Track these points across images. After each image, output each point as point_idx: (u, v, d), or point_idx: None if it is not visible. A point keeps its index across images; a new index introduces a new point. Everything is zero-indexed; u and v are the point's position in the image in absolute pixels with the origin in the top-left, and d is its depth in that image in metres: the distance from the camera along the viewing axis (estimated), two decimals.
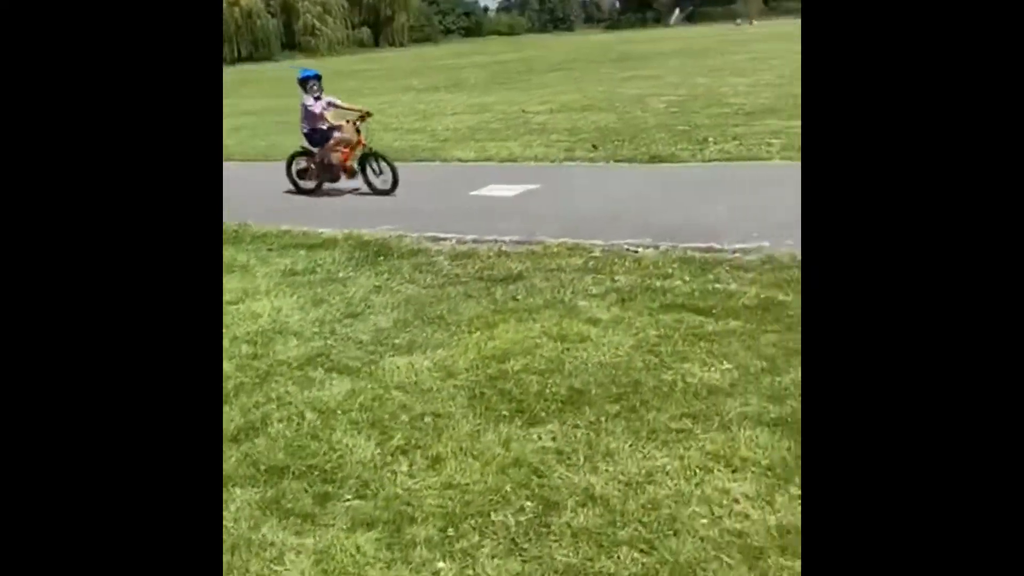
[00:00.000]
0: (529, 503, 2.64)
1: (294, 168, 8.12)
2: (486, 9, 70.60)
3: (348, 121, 7.61)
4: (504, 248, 5.61)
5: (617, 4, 64.37)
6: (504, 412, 3.25)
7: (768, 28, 40.44)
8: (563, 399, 3.32)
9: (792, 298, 4.21)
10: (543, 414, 3.21)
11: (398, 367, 3.74)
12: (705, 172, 7.84)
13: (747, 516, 2.49)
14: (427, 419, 3.24)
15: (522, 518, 2.57)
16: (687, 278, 4.64)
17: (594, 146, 9.59)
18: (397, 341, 4.06)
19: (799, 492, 2.58)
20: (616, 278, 4.76)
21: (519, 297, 4.57)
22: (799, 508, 2.50)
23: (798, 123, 10.07)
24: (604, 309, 4.28)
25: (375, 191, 7.65)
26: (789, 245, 5.09)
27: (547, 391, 3.39)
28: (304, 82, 7.76)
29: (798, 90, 10.77)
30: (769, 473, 2.69)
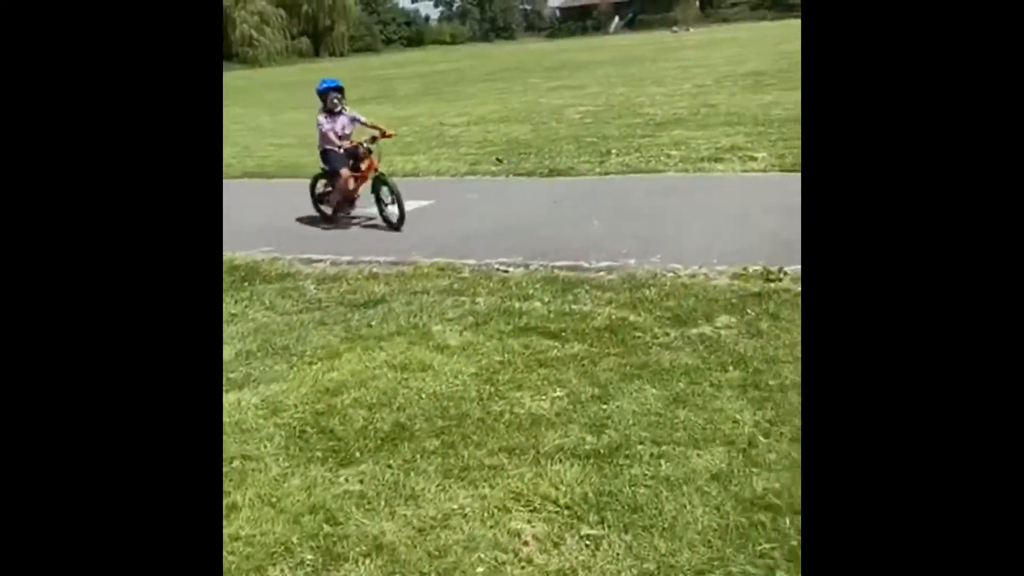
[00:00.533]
0: (311, 555, 2.50)
1: (316, 191, 7.04)
2: (427, 18, 70.40)
3: (355, 142, 6.60)
4: (375, 270, 5.47)
5: (557, 13, 64.85)
6: (319, 453, 3.11)
7: (702, 35, 41.18)
8: (384, 435, 3.19)
9: (643, 318, 4.17)
10: (359, 453, 3.08)
11: (224, 405, 3.56)
12: (600, 185, 7.83)
13: (530, 561, 2.39)
14: (236, 463, 3.08)
15: (300, 573, 2.43)
16: (546, 299, 4.58)
17: (499, 159, 9.53)
18: (232, 375, 3.88)
19: (590, 532, 2.51)
20: (477, 300, 4.66)
21: (373, 323, 4.44)
22: (585, 549, 2.43)
23: (702, 133, 10.23)
24: (456, 334, 4.18)
25: (389, 224, 6.56)
26: (654, 262, 5.08)
27: (370, 427, 3.26)
28: (324, 95, 6.66)
29: (712, 99, 10.98)
30: (566, 511, 2.61)
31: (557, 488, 2.73)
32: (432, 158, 10.20)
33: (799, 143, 8.30)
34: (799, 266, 4.69)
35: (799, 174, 7.09)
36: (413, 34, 64.24)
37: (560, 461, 2.90)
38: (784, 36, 31.72)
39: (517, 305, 4.51)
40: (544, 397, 3.41)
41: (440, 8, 73.43)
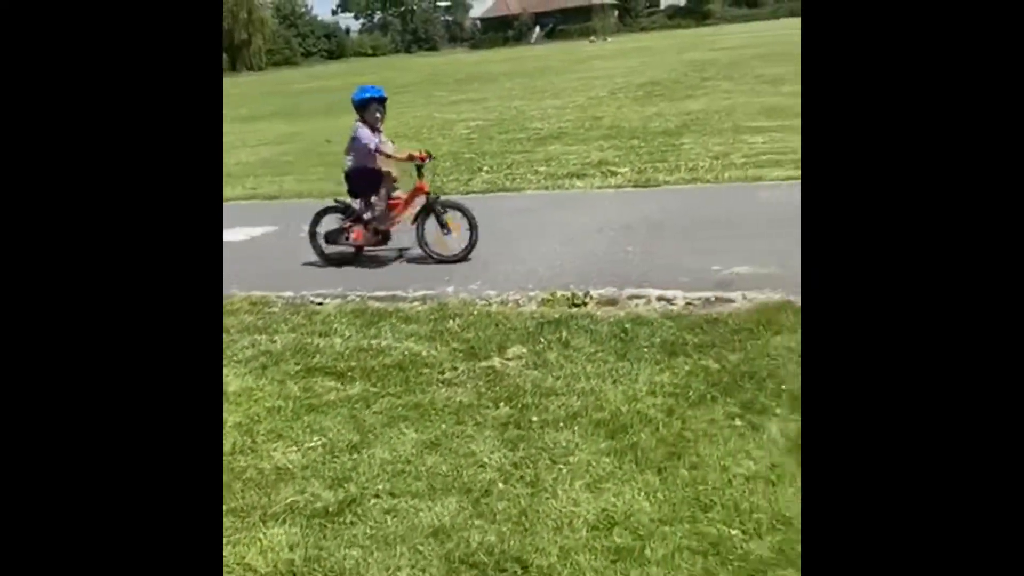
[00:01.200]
0: None
1: (320, 230, 5.85)
2: (348, 31, 69.49)
3: (409, 155, 5.51)
4: None
5: (478, 24, 65.00)
6: None
7: (618, 45, 41.87)
8: None
9: (438, 352, 4.03)
10: None
11: None
12: (481, 205, 7.68)
13: None
14: None
15: None
16: (348, 334, 4.39)
17: None
18: None
19: None
20: (275, 339, 4.44)
21: None
22: None
23: (577, 148, 10.24)
24: (240, 378, 3.95)
25: (435, 257, 5.50)
26: (472, 289, 4.96)
27: None
28: (363, 106, 5.48)
29: (600, 111, 10.97)
30: None
31: (265, 556, 2.55)
32: (300, 179, 9.92)
33: (663, 156, 8.23)
34: (605, 289, 4.65)
35: (651, 190, 7.05)
36: (334, 47, 63.33)
37: (284, 523, 2.72)
38: (693, 44, 32.51)
39: (315, 342, 4.32)
40: (298, 448, 3.22)
41: (361, 20, 72.79)
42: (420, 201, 5.61)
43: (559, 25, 59.59)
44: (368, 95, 5.51)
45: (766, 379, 3.38)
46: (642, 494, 2.66)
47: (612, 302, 4.48)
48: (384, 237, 5.79)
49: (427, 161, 5.55)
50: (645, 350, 3.80)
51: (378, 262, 5.85)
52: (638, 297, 4.50)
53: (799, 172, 7.40)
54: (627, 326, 4.08)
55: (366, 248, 5.88)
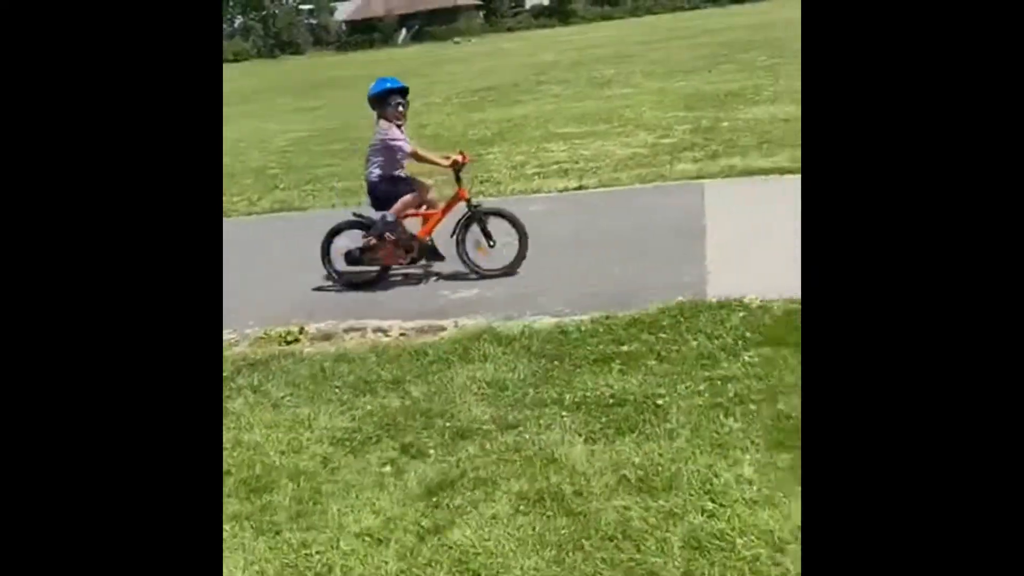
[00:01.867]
0: None
1: (334, 249, 5.09)
2: None
3: (448, 158, 4.82)
4: None
5: (344, 26, 63.55)
6: None
7: (480, 46, 41.99)
8: None
9: None
10: None
11: None
12: (232, 229, 7.29)
13: None
14: None
15: None
16: None
17: None
18: None
19: None
20: None
21: None
22: None
23: None
24: None
25: (479, 273, 4.88)
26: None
27: None
28: (383, 99, 4.77)
29: (427, 119, 10.70)
30: None
31: None
32: None
33: (465, 168, 8.07)
34: (324, 323, 4.47)
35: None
36: None
37: None
38: (552, 44, 32.97)
39: None
40: None
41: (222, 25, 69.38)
42: (461, 210, 4.94)
43: (425, 27, 59.18)
44: (387, 86, 4.82)
45: (437, 416, 3.29)
46: (240, 566, 2.49)
47: (327, 337, 4.31)
48: (418, 254, 5.06)
49: (464, 164, 4.92)
50: (336, 390, 3.64)
51: (406, 283, 5.12)
52: (355, 329, 4.34)
53: (580, 182, 7.56)
54: (327, 364, 3.91)
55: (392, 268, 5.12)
